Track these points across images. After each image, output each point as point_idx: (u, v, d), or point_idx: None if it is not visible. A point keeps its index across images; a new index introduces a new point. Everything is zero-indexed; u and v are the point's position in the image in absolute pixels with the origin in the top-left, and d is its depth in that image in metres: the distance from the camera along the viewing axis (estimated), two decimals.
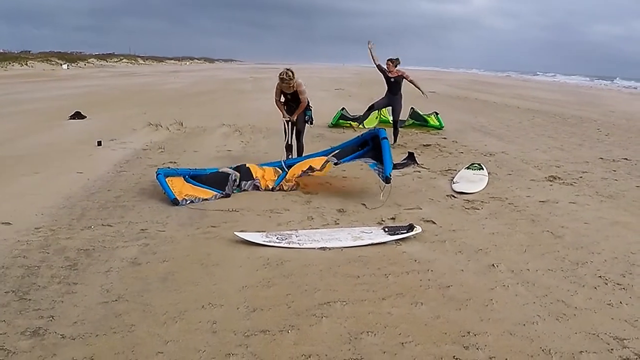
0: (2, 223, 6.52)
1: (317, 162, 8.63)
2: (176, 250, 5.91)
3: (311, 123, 10.08)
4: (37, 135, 13.24)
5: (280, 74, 9.31)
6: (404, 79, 12.60)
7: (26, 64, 53.03)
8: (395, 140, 12.81)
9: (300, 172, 8.58)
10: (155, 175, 7.96)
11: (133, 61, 79.29)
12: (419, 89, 12.69)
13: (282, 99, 9.83)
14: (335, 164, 8.44)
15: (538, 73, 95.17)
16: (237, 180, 8.41)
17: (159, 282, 5.08)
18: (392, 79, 12.60)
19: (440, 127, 16.01)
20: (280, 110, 9.94)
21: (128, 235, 6.32)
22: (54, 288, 4.86)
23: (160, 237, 6.27)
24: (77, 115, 16.71)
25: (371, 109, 13.61)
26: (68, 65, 58.49)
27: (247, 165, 8.76)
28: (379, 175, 7.95)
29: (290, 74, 9.27)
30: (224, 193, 8.05)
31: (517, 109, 23.63)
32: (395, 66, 12.60)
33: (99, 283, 5.00)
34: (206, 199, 7.83)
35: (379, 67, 12.75)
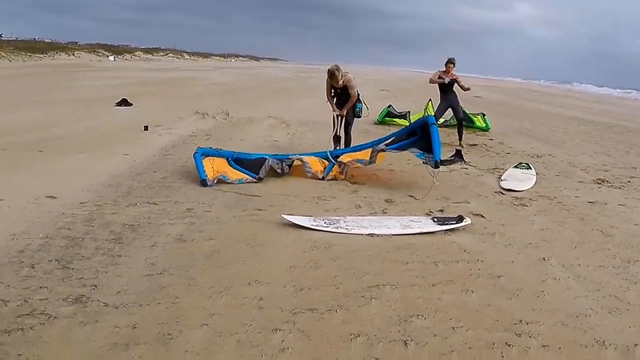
0: (47, 197, 6.57)
1: (363, 155, 8.54)
2: (222, 230, 5.86)
3: (359, 116, 10.01)
4: (84, 120, 13.41)
5: (328, 70, 9.39)
6: (456, 82, 12.59)
7: (73, 54, 54.08)
8: (460, 139, 12.78)
9: (348, 162, 8.52)
10: (193, 153, 7.97)
11: (179, 56, 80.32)
12: (463, 88, 12.62)
13: (332, 93, 9.86)
14: (382, 150, 8.29)
15: (576, 83, 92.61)
16: (280, 166, 8.40)
17: (205, 258, 5.03)
18: (447, 81, 12.55)
19: (486, 129, 15.70)
20: (331, 104, 9.95)
21: (174, 213, 6.29)
22: (98, 259, 4.84)
23: (206, 217, 6.23)
24: (124, 102, 16.90)
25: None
26: (115, 57, 59.45)
27: (296, 158, 8.65)
28: (427, 162, 7.81)
29: (337, 69, 9.32)
30: (256, 177, 8.03)
31: (562, 116, 23.13)
32: (454, 66, 12.54)
33: (143, 256, 4.97)
34: (237, 180, 7.86)
35: (434, 81, 12.72)
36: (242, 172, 8.10)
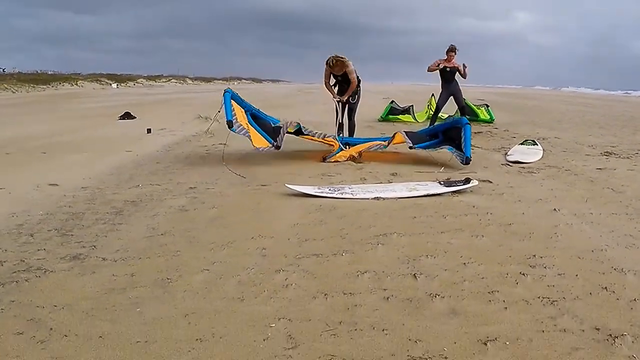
0: (49, 184, 6.54)
1: (376, 144, 8.62)
2: (225, 200, 5.81)
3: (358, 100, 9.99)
4: (86, 130, 13.39)
5: (327, 61, 9.30)
6: (457, 71, 12.60)
7: (76, 84, 54.31)
8: None
9: (361, 150, 8.56)
10: (223, 92, 7.80)
11: (182, 81, 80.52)
12: (462, 74, 12.65)
13: (332, 81, 9.77)
14: (410, 147, 8.26)
15: (572, 87, 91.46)
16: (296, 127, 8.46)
17: (207, 222, 4.96)
18: (448, 69, 12.54)
19: (490, 121, 15.49)
20: (331, 92, 9.85)
21: (176, 191, 6.23)
22: (98, 227, 4.79)
23: (209, 192, 6.17)
24: (127, 116, 16.85)
25: (437, 111, 13.26)
26: (117, 85, 59.77)
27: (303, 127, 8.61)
28: (457, 157, 7.89)
29: (336, 60, 9.24)
30: (274, 144, 7.90)
31: (566, 110, 23.05)
32: (455, 54, 12.53)
33: (144, 223, 4.91)
34: (255, 146, 7.67)
35: (432, 69, 12.75)
36: (262, 135, 8.04)
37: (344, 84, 9.68)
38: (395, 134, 8.67)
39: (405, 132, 8.85)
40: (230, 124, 7.30)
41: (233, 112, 7.52)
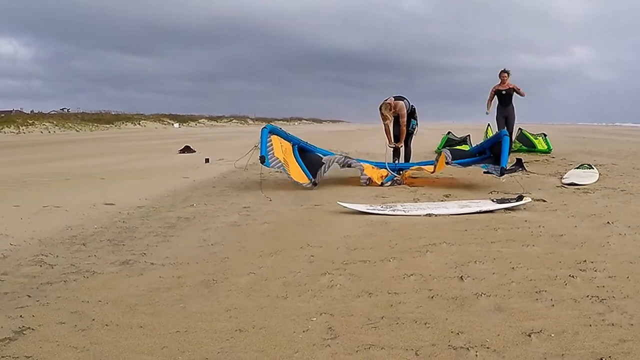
0: (105, 204, 6.71)
1: (427, 168, 8.63)
2: (277, 217, 5.84)
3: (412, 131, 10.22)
4: (146, 161, 13.79)
5: (379, 107, 9.64)
6: (515, 92, 12.58)
7: (139, 124, 55.95)
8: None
9: (412, 173, 8.70)
10: (261, 129, 7.93)
11: (242, 122, 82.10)
12: (520, 93, 12.63)
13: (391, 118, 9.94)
14: (447, 163, 8.21)
15: (618, 123, 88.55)
16: (342, 161, 8.47)
17: (258, 235, 5.00)
18: (504, 92, 12.53)
19: (548, 151, 15.01)
20: (388, 138, 10.09)
21: (230, 210, 6.31)
22: (150, 239, 4.88)
23: (262, 211, 6.22)
24: (187, 150, 17.21)
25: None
26: (179, 125, 61.26)
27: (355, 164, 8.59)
28: (493, 172, 7.78)
29: (384, 107, 9.58)
30: (312, 181, 7.98)
31: (626, 141, 22.35)
32: (509, 76, 12.52)
33: (196, 236, 4.98)
34: (294, 180, 7.79)
35: (489, 100, 12.86)
36: (302, 168, 8.14)
37: (396, 125, 9.94)
38: (441, 152, 8.62)
39: (450, 149, 8.91)
40: (262, 159, 7.45)
41: (270, 146, 7.67)
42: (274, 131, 8.04)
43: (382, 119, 9.75)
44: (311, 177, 8.04)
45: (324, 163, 8.35)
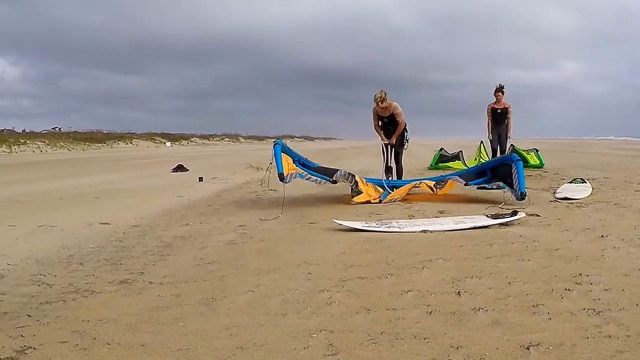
0: (101, 223, 6.73)
1: (424, 186, 8.74)
2: (273, 235, 5.88)
3: (406, 147, 10.28)
4: (139, 180, 13.81)
5: (374, 97, 9.42)
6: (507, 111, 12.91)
7: (131, 142, 56.02)
8: None
9: (408, 190, 8.65)
10: (273, 144, 7.87)
11: (234, 140, 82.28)
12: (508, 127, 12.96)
13: (380, 124, 9.96)
14: (466, 184, 8.43)
15: (612, 137, 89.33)
16: (347, 176, 8.47)
17: (254, 253, 5.03)
18: (499, 110, 12.72)
19: (540, 165, 15.14)
20: (379, 134, 10.06)
21: (226, 228, 6.35)
22: (147, 258, 4.91)
23: (258, 229, 6.26)
24: (180, 168, 17.17)
25: (494, 153, 13.32)
26: (171, 144, 61.33)
27: (356, 178, 8.64)
28: (512, 194, 7.76)
29: (383, 95, 9.38)
30: (331, 179, 8.13)
31: (616, 154, 22.59)
32: (503, 95, 12.71)
33: (192, 254, 5.01)
34: (312, 179, 8.01)
35: (489, 115, 13.09)
36: (316, 175, 8.26)
37: (390, 126, 9.87)
38: (448, 180, 8.74)
39: (462, 174, 8.99)
40: (281, 177, 7.40)
41: (282, 164, 7.63)
42: (283, 149, 8.02)
43: (374, 116, 9.82)
44: (328, 178, 8.19)
45: (337, 169, 8.54)
